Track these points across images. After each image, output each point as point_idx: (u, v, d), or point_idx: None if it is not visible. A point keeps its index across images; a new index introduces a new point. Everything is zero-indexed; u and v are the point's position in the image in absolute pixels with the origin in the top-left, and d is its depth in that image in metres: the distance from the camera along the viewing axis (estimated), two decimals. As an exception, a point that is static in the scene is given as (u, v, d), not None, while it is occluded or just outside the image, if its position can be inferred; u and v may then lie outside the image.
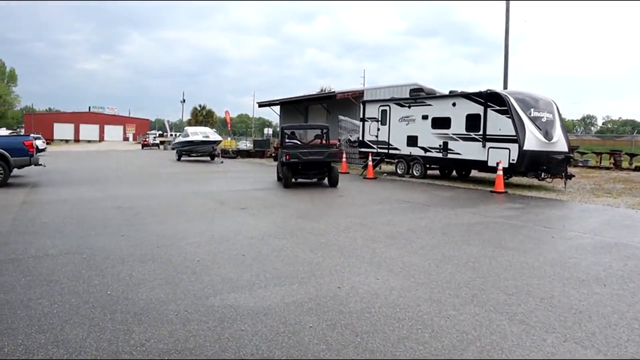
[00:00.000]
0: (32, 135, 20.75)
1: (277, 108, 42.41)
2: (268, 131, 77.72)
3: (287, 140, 17.70)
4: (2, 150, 15.21)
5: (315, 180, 17.10)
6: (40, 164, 16.95)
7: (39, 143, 36.57)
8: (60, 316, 4.53)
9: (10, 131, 21.82)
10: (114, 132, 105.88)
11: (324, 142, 17.61)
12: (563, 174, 16.18)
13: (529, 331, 4.38)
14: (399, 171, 20.82)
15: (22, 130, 78.33)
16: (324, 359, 3.78)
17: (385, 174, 21.60)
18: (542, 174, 16.15)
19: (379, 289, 5.47)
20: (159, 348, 3.90)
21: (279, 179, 17.79)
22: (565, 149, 16.69)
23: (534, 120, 16.07)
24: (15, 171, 16.54)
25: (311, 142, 19.13)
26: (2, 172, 15.25)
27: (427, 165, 19.75)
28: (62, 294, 5.15)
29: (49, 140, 74.84)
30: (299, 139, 19.58)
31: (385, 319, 4.60)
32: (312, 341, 4.08)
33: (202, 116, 79.01)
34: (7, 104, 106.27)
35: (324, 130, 17.65)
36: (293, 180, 16.30)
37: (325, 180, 16.92)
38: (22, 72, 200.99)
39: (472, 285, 5.70)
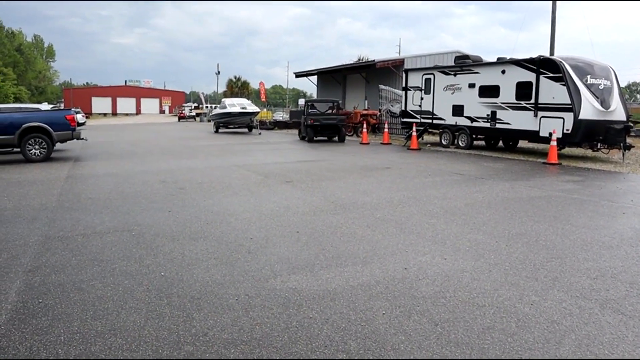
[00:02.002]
0: (73, 109, 20.75)
1: (314, 78, 41.62)
2: (302, 102, 76.98)
3: (309, 110, 24.37)
4: (45, 125, 15.21)
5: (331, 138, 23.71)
6: (82, 138, 17.00)
7: (79, 117, 37.02)
8: (115, 300, 4.26)
9: (51, 106, 21.94)
10: (150, 105, 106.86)
11: (334, 111, 24.47)
12: (621, 144, 15.29)
13: (627, 322, 3.91)
14: (443, 142, 20.12)
15: (62, 104, 79.63)
16: (411, 358, 3.40)
17: (428, 145, 20.95)
18: (598, 145, 15.30)
19: (449, 271, 5.06)
20: (223, 338, 3.58)
21: (300, 137, 24.84)
22: (623, 117, 15.75)
23: (590, 87, 15.15)
24: (58, 145, 16.59)
25: (326, 112, 24.76)
26: (45, 146, 15.27)
27: (474, 136, 18.97)
28: (114, 275, 4.90)
29: (88, 114, 76.01)
30: (318, 109, 25.13)
31: (463, 305, 4.19)
32: (389, 331, 3.70)
33: (237, 88, 78.67)
34: (47, 79, 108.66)
35: (335, 103, 25.01)
36: (315, 138, 23.47)
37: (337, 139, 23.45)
38: (60, 47, 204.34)
39: (549, 267, 5.22)
